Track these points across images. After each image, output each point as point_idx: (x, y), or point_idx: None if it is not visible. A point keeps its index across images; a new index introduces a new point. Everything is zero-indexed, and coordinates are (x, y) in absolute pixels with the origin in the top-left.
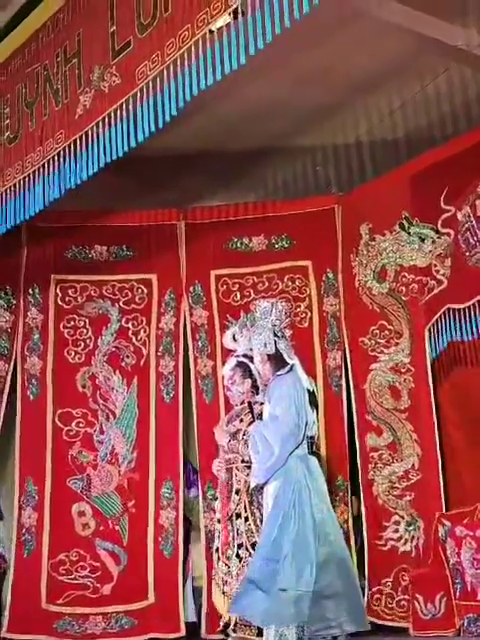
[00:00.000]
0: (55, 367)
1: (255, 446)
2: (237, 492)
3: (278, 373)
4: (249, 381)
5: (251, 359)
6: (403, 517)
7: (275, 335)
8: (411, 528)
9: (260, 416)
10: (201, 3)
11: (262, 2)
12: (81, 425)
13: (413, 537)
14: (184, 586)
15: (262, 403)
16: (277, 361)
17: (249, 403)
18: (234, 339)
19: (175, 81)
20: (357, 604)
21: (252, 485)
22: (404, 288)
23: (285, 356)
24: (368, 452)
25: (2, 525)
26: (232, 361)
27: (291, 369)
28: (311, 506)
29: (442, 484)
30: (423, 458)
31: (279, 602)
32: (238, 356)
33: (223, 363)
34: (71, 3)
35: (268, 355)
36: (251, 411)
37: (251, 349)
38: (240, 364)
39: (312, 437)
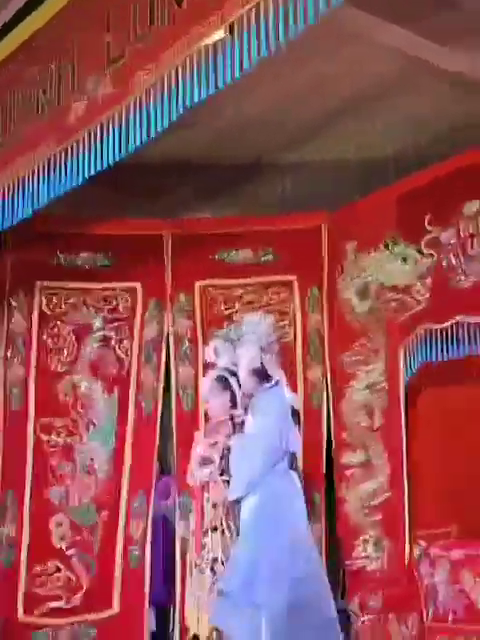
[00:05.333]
0: (37, 375)
1: (235, 459)
2: (214, 505)
3: (262, 387)
4: (228, 395)
5: (231, 373)
6: (371, 536)
7: (262, 349)
8: (377, 547)
9: (240, 429)
10: (197, 17)
11: (258, 18)
12: (62, 435)
13: (379, 557)
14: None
15: (239, 416)
16: (261, 375)
17: (231, 416)
18: (216, 352)
19: (168, 93)
20: (333, 623)
21: (230, 498)
22: (383, 307)
23: (270, 371)
24: (342, 470)
25: None
26: (212, 374)
27: (276, 384)
28: (288, 522)
29: (407, 505)
30: (391, 478)
31: (255, 617)
32: (219, 369)
33: (205, 373)
34: (66, 12)
35: (253, 369)
36: (232, 424)
37: (233, 363)
38: (219, 378)
39: (293, 453)
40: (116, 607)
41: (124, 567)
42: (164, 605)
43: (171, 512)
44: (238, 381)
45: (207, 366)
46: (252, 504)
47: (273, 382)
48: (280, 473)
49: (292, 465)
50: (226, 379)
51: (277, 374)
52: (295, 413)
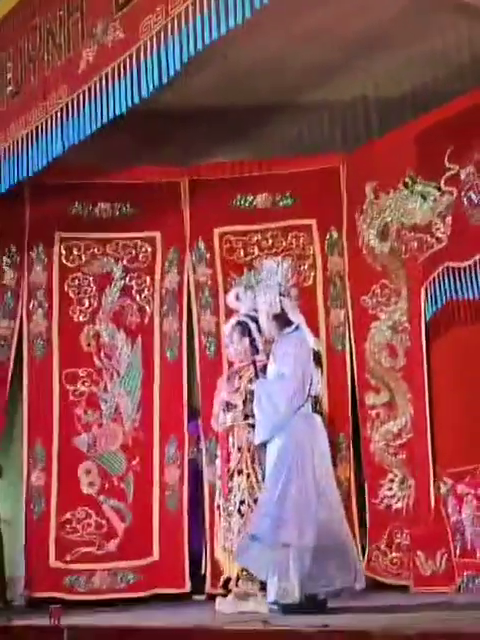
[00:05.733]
0: (60, 326)
1: (260, 403)
2: (239, 449)
3: (284, 332)
4: (247, 340)
5: (252, 319)
6: (397, 475)
7: (281, 294)
8: (403, 486)
9: (263, 374)
10: None
11: None
12: (86, 384)
13: (405, 495)
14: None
15: (261, 361)
16: (282, 320)
17: (253, 361)
18: (237, 298)
19: (179, 35)
20: (355, 562)
21: (256, 442)
22: (404, 246)
23: (290, 315)
24: (367, 410)
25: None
26: (232, 320)
27: (297, 328)
28: (313, 465)
29: (430, 443)
30: (415, 417)
31: (282, 557)
32: (240, 315)
33: (226, 320)
34: None
35: (273, 314)
36: (254, 369)
37: (254, 309)
38: (239, 323)
39: (316, 396)
40: (156, 554)
41: (161, 513)
42: (195, 549)
43: (199, 457)
44: (259, 327)
45: (229, 313)
46: (277, 447)
47: (294, 326)
48: (304, 416)
49: (315, 408)
50: (246, 324)
51: (298, 318)
52: (317, 356)
